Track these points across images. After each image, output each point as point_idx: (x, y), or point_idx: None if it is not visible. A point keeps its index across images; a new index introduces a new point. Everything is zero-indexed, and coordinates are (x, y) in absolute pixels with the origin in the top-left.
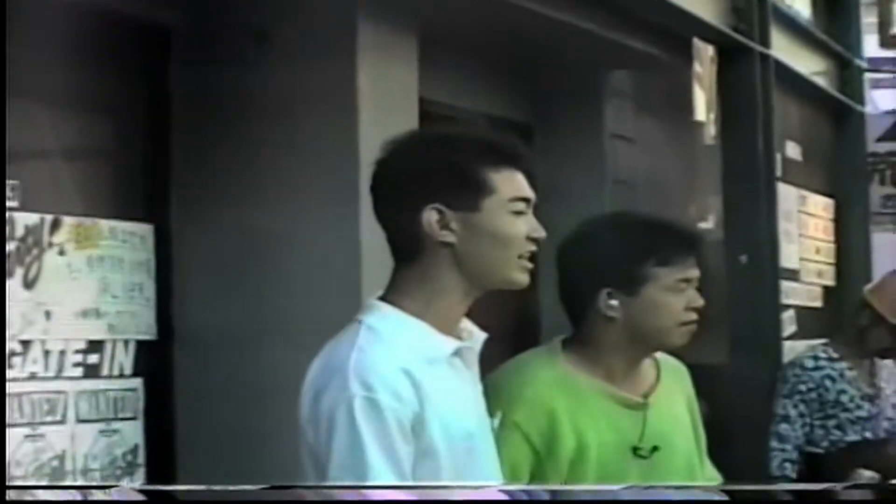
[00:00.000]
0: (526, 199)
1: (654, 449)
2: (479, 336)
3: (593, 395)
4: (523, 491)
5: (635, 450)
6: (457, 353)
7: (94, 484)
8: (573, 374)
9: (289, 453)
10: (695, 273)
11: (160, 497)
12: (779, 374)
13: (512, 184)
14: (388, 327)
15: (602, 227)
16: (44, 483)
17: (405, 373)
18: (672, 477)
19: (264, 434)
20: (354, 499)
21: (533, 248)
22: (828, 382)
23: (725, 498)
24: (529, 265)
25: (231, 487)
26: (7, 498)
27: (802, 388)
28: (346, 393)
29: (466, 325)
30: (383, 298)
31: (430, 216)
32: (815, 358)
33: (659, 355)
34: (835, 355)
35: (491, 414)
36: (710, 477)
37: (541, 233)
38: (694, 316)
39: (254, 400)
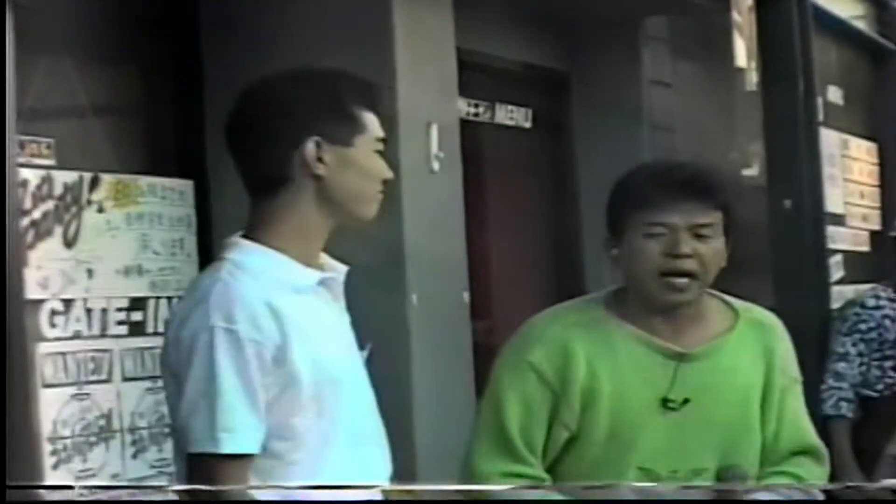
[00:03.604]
0: (385, 141)
1: (685, 402)
2: (341, 268)
3: (623, 340)
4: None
5: (665, 401)
6: (322, 283)
7: (98, 484)
8: (606, 320)
9: None
10: (677, 219)
11: None
12: (837, 314)
13: (376, 125)
14: (251, 261)
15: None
16: (92, 440)
17: (267, 304)
18: (704, 434)
19: None
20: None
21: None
22: (888, 322)
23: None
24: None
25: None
26: (7, 498)
27: (863, 326)
28: (207, 323)
29: (324, 258)
30: (244, 236)
31: (310, 148)
32: (877, 297)
33: (741, 306)
34: (893, 295)
35: (361, 347)
36: (792, 440)
37: (390, 174)
38: (680, 265)
39: None
